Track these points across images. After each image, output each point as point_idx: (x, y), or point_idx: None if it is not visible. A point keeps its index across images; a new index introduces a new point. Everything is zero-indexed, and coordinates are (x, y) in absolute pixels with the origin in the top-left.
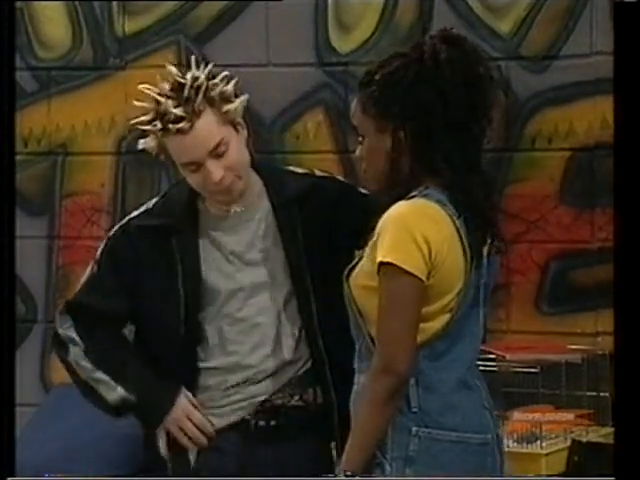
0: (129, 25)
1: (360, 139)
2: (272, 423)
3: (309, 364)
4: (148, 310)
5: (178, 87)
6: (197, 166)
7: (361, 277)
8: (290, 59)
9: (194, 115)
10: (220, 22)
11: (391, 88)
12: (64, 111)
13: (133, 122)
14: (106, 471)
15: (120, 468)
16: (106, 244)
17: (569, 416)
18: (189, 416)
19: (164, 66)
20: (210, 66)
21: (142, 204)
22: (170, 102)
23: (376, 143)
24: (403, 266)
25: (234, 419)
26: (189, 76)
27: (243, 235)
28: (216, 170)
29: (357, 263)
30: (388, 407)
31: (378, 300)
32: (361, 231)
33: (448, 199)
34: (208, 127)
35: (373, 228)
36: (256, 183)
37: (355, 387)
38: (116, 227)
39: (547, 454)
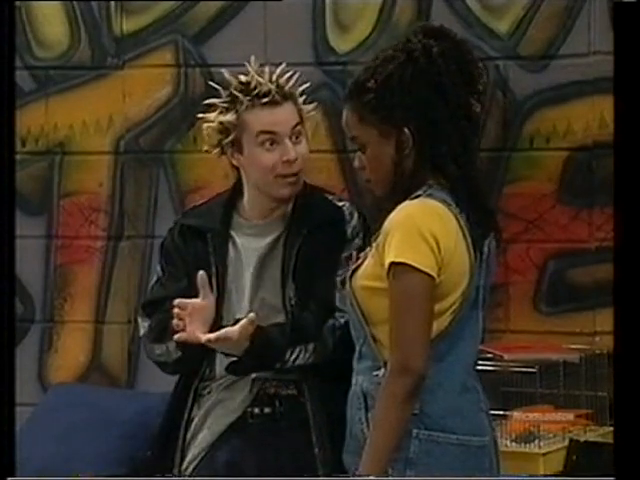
0: (127, 24)
1: (360, 149)
2: (266, 411)
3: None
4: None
5: (259, 77)
6: (275, 141)
7: (365, 278)
8: (288, 58)
9: (281, 95)
10: (218, 21)
11: (390, 92)
12: (62, 110)
13: (208, 102)
14: (104, 470)
15: (118, 467)
16: (162, 245)
17: (568, 416)
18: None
19: (162, 66)
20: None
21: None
22: (260, 79)
23: (380, 149)
24: (416, 265)
25: (238, 414)
26: (267, 70)
27: (260, 246)
28: (292, 150)
29: (360, 265)
30: (407, 407)
31: (389, 300)
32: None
33: (450, 197)
34: (291, 109)
35: (377, 229)
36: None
37: (353, 388)
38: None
39: (545, 453)
